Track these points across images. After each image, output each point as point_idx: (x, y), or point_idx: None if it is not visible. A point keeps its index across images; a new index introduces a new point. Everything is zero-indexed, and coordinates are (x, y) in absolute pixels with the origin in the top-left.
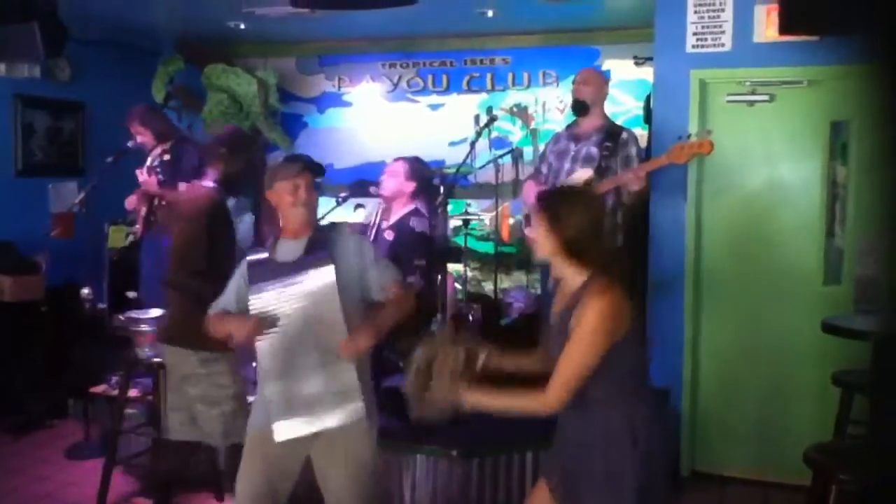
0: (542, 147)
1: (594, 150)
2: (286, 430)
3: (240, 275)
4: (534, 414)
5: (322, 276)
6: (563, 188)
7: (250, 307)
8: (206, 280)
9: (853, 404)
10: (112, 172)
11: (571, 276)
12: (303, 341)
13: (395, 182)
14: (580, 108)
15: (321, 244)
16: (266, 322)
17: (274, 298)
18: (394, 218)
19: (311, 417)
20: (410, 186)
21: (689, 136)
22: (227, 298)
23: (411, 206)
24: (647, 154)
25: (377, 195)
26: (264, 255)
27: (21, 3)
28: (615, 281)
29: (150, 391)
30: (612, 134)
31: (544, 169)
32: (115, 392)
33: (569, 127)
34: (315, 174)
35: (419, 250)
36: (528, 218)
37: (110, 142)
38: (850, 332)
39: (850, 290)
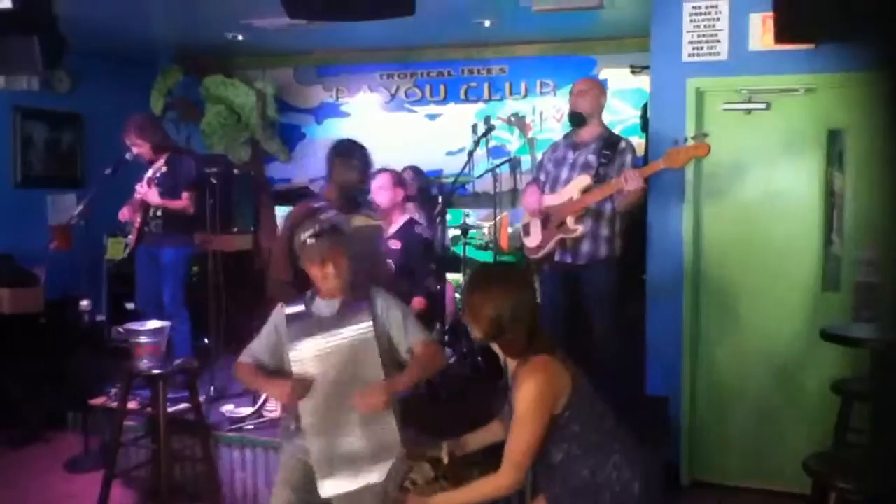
0: (539, 156)
1: (592, 158)
2: (331, 487)
3: (274, 325)
4: (499, 495)
5: (361, 332)
6: (478, 271)
7: (292, 361)
8: None
9: (852, 412)
10: (111, 184)
11: (505, 357)
12: (343, 397)
13: (384, 195)
14: (577, 120)
15: (358, 300)
16: (306, 384)
17: (313, 354)
18: (393, 228)
19: (354, 473)
20: (401, 194)
21: (685, 140)
22: (259, 347)
23: (407, 216)
24: (644, 163)
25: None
26: (301, 307)
27: (21, 15)
28: (547, 353)
29: (148, 403)
30: (610, 143)
31: (542, 176)
32: (115, 404)
33: (567, 136)
34: (344, 247)
35: (429, 255)
36: (526, 227)
37: (109, 153)
38: (849, 341)
39: (849, 297)
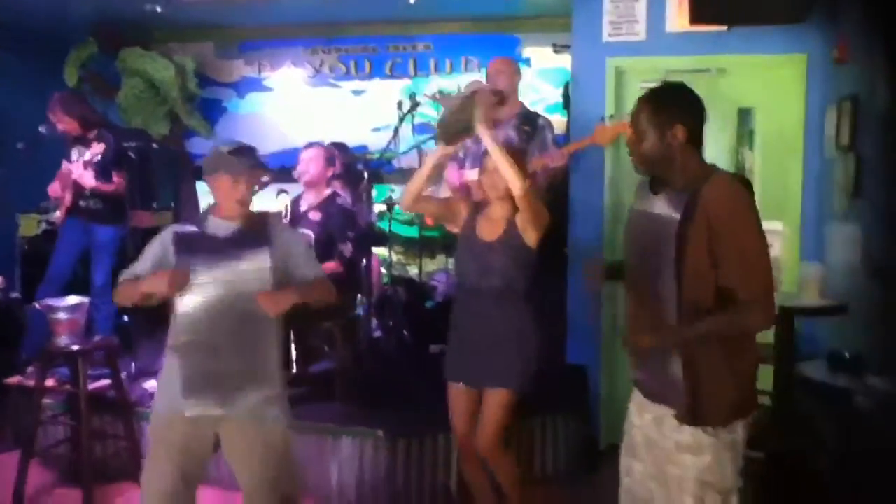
0: None
1: (512, 134)
2: (196, 406)
3: (161, 244)
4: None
5: (257, 258)
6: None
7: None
8: None
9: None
10: (22, 160)
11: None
12: (227, 318)
13: (314, 167)
14: (498, 98)
15: (256, 228)
16: (185, 274)
17: (203, 270)
18: (316, 200)
19: (224, 396)
20: (329, 171)
21: (603, 119)
22: (143, 267)
23: (331, 191)
24: (566, 140)
25: (297, 179)
26: (192, 229)
27: None
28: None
29: (67, 381)
30: (529, 119)
31: (460, 153)
32: (31, 383)
33: None
34: (262, 173)
35: (348, 224)
36: (446, 201)
37: (19, 128)
38: None
39: None
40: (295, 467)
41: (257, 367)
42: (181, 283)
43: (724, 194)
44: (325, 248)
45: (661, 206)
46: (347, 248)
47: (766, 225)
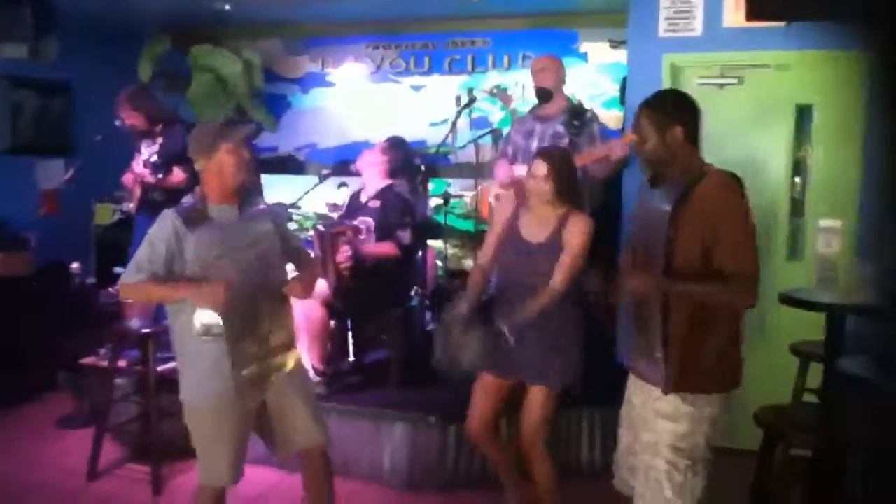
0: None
1: (561, 129)
2: (256, 390)
3: (171, 235)
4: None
5: (267, 236)
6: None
7: (202, 263)
8: None
9: (808, 374)
10: (99, 151)
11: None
12: (255, 299)
13: (373, 160)
14: (545, 95)
15: (253, 204)
16: (229, 286)
17: (224, 258)
18: (374, 190)
19: (269, 368)
20: (385, 161)
21: None
22: (156, 261)
23: (389, 181)
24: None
25: (357, 173)
26: (192, 209)
27: None
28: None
29: (137, 362)
30: (577, 113)
31: (510, 150)
32: (105, 363)
33: (532, 110)
34: (254, 131)
35: (406, 211)
36: (497, 198)
37: (97, 121)
38: (803, 304)
39: (812, 267)
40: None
41: (287, 333)
42: (228, 293)
43: (717, 188)
44: (383, 234)
45: (660, 199)
46: (406, 235)
47: (824, 223)
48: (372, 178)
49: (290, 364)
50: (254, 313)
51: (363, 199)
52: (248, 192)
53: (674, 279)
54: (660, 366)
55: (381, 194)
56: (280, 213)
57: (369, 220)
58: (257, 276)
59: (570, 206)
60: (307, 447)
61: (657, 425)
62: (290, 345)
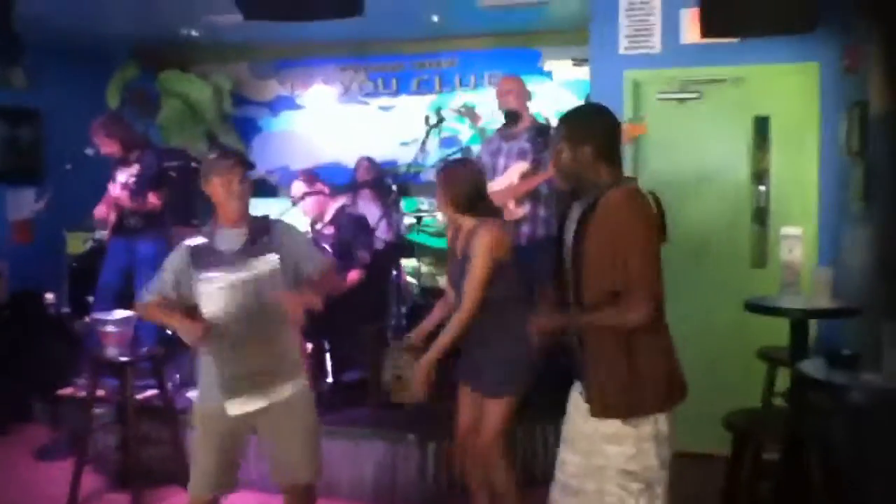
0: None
1: (527, 146)
2: (236, 406)
3: (180, 260)
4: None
5: (268, 264)
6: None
7: (200, 293)
8: None
9: (777, 378)
10: (69, 179)
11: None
12: (251, 325)
13: (308, 198)
14: (513, 116)
15: (262, 233)
16: (212, 325)
17: (221, 286)
18: (327, 218)
19: (260, 394)
20: (319, 189)
21: (627, 121)
22: (165, 285)
23: (338, 204)
24: None
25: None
26: (204, 240)
27: None
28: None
29: (117, 391)
30: (541, 130)
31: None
32: (83, 394)
33: (499, 129)
34: (246, 168)
35: (361, 231)
36: None
37: (67, 148)
38: (768, 310)
39: (777, 274)
40: (320, 455)
41: (284, 361)
42: (207, 333)
43: (613, 204)
44: (343, 258)
45: (575, 212)
46: (366, 255)
47: (786, 230)
48: (315, 205)
49: (288, 392)
50: (243, 341)
51: (318, 226)
52: (260, 217)
53: (580, 307)
54: (586, 390)
55: (335, 219)
56: (294, 237)
57: (327, 248)
58: (252, 307)
59: (480, 216)
60: (293, 483)
61: (604, 449)
62: (287, 373)
